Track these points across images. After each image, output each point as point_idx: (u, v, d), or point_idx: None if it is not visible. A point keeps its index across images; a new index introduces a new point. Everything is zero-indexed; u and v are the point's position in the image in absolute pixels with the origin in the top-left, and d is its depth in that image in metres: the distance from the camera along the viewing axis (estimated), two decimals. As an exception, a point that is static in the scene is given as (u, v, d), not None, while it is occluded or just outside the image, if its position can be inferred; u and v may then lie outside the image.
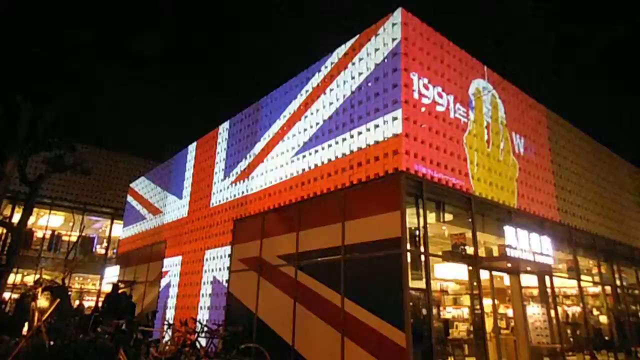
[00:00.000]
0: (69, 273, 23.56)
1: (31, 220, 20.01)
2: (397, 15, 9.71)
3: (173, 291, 15.93)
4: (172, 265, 16.58)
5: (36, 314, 9.23)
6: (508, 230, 10.26)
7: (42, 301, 10.90)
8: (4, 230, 20.38)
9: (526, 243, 10.47)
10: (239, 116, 14.96)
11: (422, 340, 8.29)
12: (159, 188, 20.03)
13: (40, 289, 11.06)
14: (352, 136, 9.98)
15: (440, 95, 10.03)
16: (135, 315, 15.84)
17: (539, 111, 13.61)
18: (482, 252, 10.50)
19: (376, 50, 9.96)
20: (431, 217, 9.90)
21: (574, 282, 13.23)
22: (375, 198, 9.09)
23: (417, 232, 9.08)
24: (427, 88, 9.71)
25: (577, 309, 13.81)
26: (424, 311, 8.57)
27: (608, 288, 14.83)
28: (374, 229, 8.87)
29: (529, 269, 11.37)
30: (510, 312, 12.03)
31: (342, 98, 10.60)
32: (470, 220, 10.07)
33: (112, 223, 28.06)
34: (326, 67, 11.40)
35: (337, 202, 9.91)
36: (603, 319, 14.44)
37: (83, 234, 26.87)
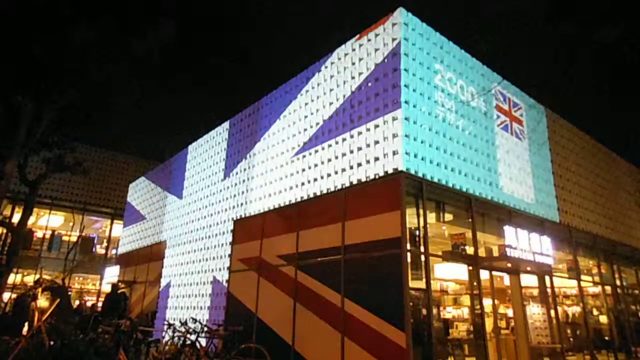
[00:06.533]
0: (69, 273, 23.59)
1: (31, 220, 20.01)
2: (397, 15, 9.71)
3: (173, 291, 15.93)
4: (172, 265, 16.58)
5: (36, 314, 9.23)
6: (508, 230, 10.27)
7: (42, 301, 10.91)
8: (4, 230, 20.38)
9: (526, 243, 10.47)
10: (239, 116, 14.97)
11: (422, 340, 8.29)
12: (159, 188, 20.03)
13: (40, 289, 11.07)
14: (352, 136, 9.98)
15: (440, 95, 10.03)
16: (126, 308, 15.86)
17: (539, 112, 13.61)
18: (482, 252, 10.50)
19: (376, 50, 9.97)
20: (431, 217, 9.90)
21: (574, 282, 13.23)
22: (375, 198, 9.09)
23: (417, 232, 9.08)
24: (427, 88, 9.72)
25: (577, 309, 13.80)
26: (424, 311, 8.57)
27: (608, 288, 14.83)
28: (374, 229, 8.87)
29: (529, 269, 11.37)
30: (510, 312, 12.02)
31: (342, 98, 10.60)
32: (470, 220, 10.08)
33: (112, 223, 28.07)
34: (326, 67, 11.40)
35: (337, 202, 9.91)
36: (603, 319, 14.44)
37: (83, 234, 26.88)
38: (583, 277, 13.65)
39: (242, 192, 13.52)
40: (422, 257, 8.94)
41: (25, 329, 11.19)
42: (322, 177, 10.55)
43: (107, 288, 20.19)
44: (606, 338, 13.72)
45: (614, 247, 15.44)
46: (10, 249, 14.26)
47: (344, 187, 9.86)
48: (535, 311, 11.35)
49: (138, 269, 19.67)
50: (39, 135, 13.33)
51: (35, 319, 9.08)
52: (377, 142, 9.29)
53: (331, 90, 11.01)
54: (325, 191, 10.35)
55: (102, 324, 9.83)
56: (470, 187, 10.07)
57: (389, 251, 8.44)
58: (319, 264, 9.99)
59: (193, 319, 11.15)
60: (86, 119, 15.68)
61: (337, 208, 9.85)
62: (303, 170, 11.21)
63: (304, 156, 11.32)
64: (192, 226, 16.01)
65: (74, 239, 26.55)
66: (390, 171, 8.83)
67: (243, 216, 13.19)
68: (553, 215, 12.74)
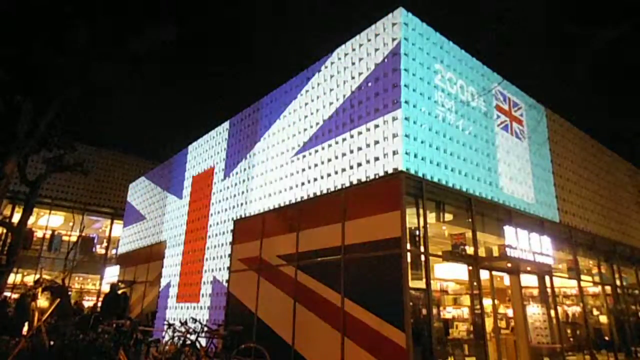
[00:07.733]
0: (69, 273, 23.59)
1: (31, 220, 20.02)
2: (397, 15, 9.71)
3: (173, 291, 15.93)
4: (172, 265, 16.58)
5: (36, 314, 9.24)
6: (508, 230, 10.26)
7: (42, 301, 10.90)
8: (4, 230, 20.38)
9: (526, 243, 10.47)
10: (239, 116, 14.96)
11: (422, 340, 8.29)
12: (159, 188, 20.03)
13: (40, 289, 11.06)
14: (352, 136, 9.98)
15: (440, 95, 10.03)
16: (126, 308, 15.85)
17: (539, 111, 13.61)
18: (482, 252, 10.50)
19: (376, 50, 9.97)
20: (431, 217, 9.90)
21: (574, 282, 13.23)
22: (375, 198, 9.09)
23: (417, 232, 9.08)
24: (427, 88, 9.72)
25: (577, 309, 13.80)
26: (424, 311, 8.56)
27: (608, 288, 14.83)
28: (374, 229, 8.87)
29: (529, 269, 11.37)
30: (510, 312, 12.03)
31: (342, 98, 10.60)
32: (470, 220, 10.08)
33: (112, 223, 28.09)
34: (326, 67, 11.40)
35: (337, 202, 9.91)
36: (603, 319, 14.44)
37: (83, 234, 26.89)
38: (583, 277, 13.65)
39: (242, 192, 13.52)
40: (422, 257, 8.94)
41: (25, 329, 11.19)
42: (322, 177, 10.55)
43: (107, 288, 20.20)
44: (606, 338, 13.71)
45: (614, 247, 15.44)
46: (10, 249, 14.26)
47: (343, 187, 9.85)
48: (535, 311, 11.34)
49: (138, 269, 19.67)
50: (39, 135, 13.33)
51: (35, 319, 9.08)
52: (377, 142, 9.28)
53: (331, 90, 11.01)
54: (325, 191, 10.35)
55: (102, 324, 9.83)
56: (470, 187, 10.07)
57: (389, 251, 8.44)
58: (319, 264, 9.99)
59: (193, 318, 11.16)
60: (86, 119, 15.68)
61: (337, 208, 9.85)
62: (303, 170, 11.21)
63: (304, 156, 11.32)
64: (192, 226, 16.00)
65: (74, 239, 26.57)
66: (390, 171, 8.82)
67: (243, 216, 13.19)
68: (553, 215, 12.73)
